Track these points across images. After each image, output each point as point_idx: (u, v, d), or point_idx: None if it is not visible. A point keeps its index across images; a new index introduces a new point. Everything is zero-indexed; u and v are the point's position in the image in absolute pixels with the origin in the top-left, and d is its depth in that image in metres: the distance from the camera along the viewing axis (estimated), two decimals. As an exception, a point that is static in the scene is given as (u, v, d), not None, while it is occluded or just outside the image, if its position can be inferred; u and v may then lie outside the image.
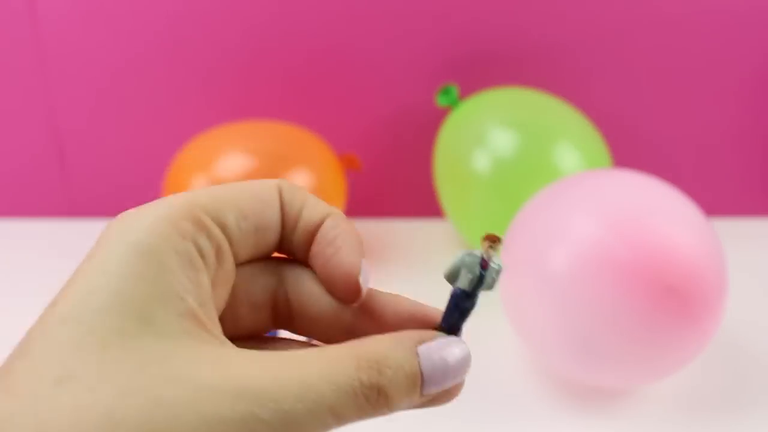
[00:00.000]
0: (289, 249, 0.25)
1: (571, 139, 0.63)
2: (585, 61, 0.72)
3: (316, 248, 0.24)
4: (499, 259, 0.23)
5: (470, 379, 0.55)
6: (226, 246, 0.22)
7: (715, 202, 0.73)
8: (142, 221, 0.21)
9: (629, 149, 0.73)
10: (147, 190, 0.76)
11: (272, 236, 0.24)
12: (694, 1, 0.69)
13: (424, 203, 0.77)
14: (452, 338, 0.23)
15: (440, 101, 0.68)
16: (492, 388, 0.52)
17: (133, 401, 0.18)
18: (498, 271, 0.23)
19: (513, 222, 0.52)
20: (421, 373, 0.22)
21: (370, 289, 0.24)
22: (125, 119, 0.77)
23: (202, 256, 0.21)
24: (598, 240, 0.45)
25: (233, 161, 0.61)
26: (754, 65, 0.72)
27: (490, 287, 0.23)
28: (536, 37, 0.71)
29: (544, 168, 0.61)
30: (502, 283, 0.51)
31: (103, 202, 0.80)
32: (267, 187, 0.24)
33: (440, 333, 0.23)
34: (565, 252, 0.46)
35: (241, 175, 0.61)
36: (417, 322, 0.24)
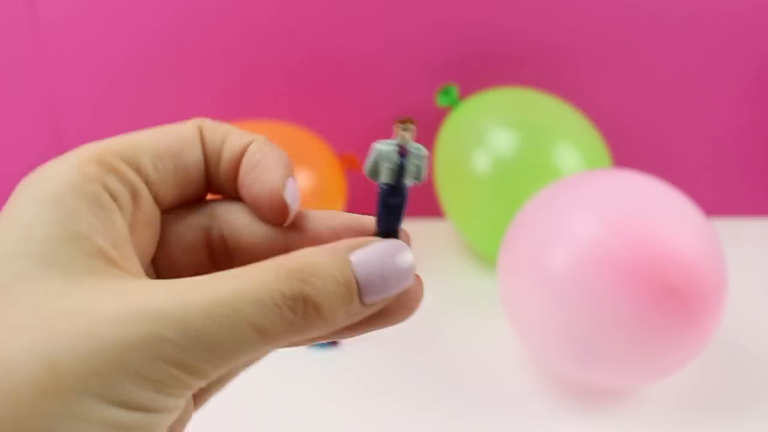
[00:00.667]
0: (218, 186, 0.24)
1: (571, 139, 0.63)
2: (585, 62, 0.72)
3: (241, 177, 0.23)
4: (418, 144, 0.21)
5: (470, 379, 0.55)
6: (141, 186, 0.22)
7: (715, 202, 0.73)
8: (49, 172, 0.21)
9: (629, 149, 0.73)
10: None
11: (196, 174, 0.23)
12: (694, 2, 0.69)
13: (424, 203, 0.77)
14: (390, 240, 0.22)
15: (440, 101, 0.68)
16: (492, 388, 0.52)
17: (28, 336, 0.18)
18: (420, 156, 0.21)
19: (513, 222, 0.52)
20: (357, 279, 0.21)
21: (303, 210, 0.23)
22: (125, 119, 0.77)
23: (114, 198, 0.21)
24: (598, 240, 0.45)
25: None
26: (753, 65, 0.72)
27: (418, 177, 0.22)
28: (536, 37, 0.71)
29: (544, 168, 0.61)
30: (502, 284, 0.51)
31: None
32: (185, 127, 0.23)
33: (376, 238, 0.21)
34: (565, 252, 0.46)
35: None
36: (353, 232, 0.22)
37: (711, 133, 0.75)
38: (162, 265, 0.23)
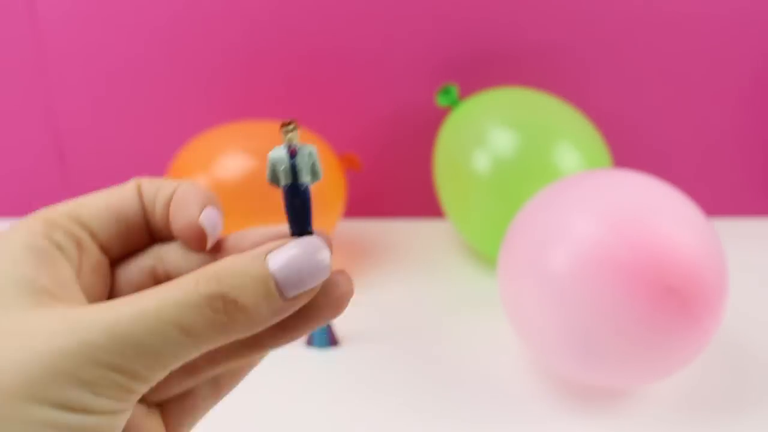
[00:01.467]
0: (158, 232, 0.26)
1: (571, 139, 0.63)
2: (585, 61, 0.72)
3: (170, 217, 0.25)
4: (306, 143, 0.23)
5: (470, 379, 0.55)
6: (85, 237, 0.25)
7: (715, 202, 0.73)
8: (6, 233, 0.24)
9: (629, 149, 0.73)
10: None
11: (136, 224, 0.26)
12: (695, 2, 0.69)
13: (424, 203, 0.77)
14: (303, 238, 0.23)
15: (440, 101, 0.68)
16: (492, 388, 0.52)
17: None
18: (310, 153, 0.23)
19: (513, 222, 0.52)
20: (273, 274, 0.22)
21: (229, 234, 0.26)
22: (125, 119, 0.77)
23: (59, 248, 0.24)
24: (598, 240, 0.45)
25: (233, 161, 0.61)
26: (754, 65, 0.72)
27: (315, 174, 0.23)
28: (536, 37, 0.71)
29: (544, 168, 0.61)
30: (502, 284, 0.51)
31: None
32: (125, 186, 0.26)
33: (291, 238, 0.23)
34: (565, 252, 0.46)
35: (241, 174, 0.61)
36: (273, 240, 0.24)
37: (711, 133, 0.75)
38: None
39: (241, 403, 0.51)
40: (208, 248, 0.25)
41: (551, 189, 0.51)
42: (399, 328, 0.60)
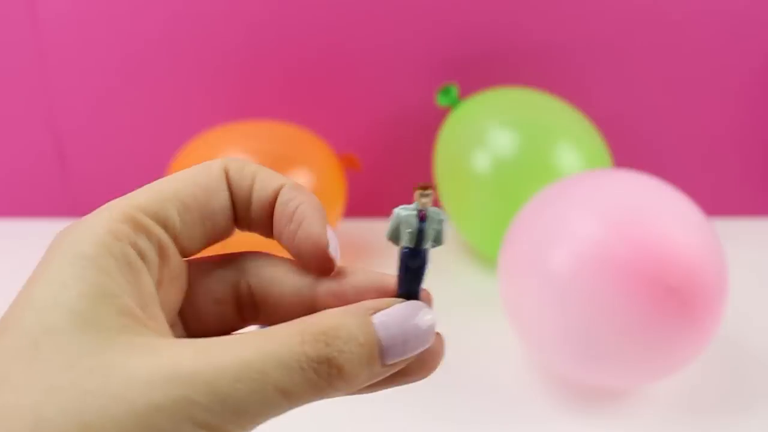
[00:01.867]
0: (247, 228, 0.25)
1: (571, 139, 0.63)
2: (585, 61, 0.72)
3: (278, 226, 0.24)
4: (437, 208, 0.22)
5: (470, 379, 0.55)
6: (168, 243, 0.23)
7: (715, 202, 0.73)
8: (82, 231, 0.22)
9: (629, 149, 0.73)
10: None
11: (223, 221, 0.24)
12: (695, 2, 0.69)
13: (424, 203, 0.77)
14: (411, 302, 0.22)
15: (440, 101, 0.68)
16: (492, 388, 0.52)
17: (61, 396, 0.18)
18: (440, 221, 0.22)
19: (513, 222, 0.52)
20: (379, 341, 0.21)
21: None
22: (125, 119, 0.77)
23: (142, 256, 0.22)
24: (598, 240, 0.45)
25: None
26: (754, 65, 0.72)
27: (438, 240, 0.22)
28: (536, 37, 0.71)
29: (544, 168, 0.61)
30: (502, 284, 0.51)
31: (103, 201, 0.80)
32: (211, 171, 0.24)
33: (398, 299, 0.22)
34: (565, 252, 0.46)
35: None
36: (376, 292, 0.23)
37: (711, 133, 0.75)
38: (188, 315, 0.24)
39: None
40: (330, 275, 0.24)
41: (551, 189, 0.51)
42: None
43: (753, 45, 0.71)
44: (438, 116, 0.71)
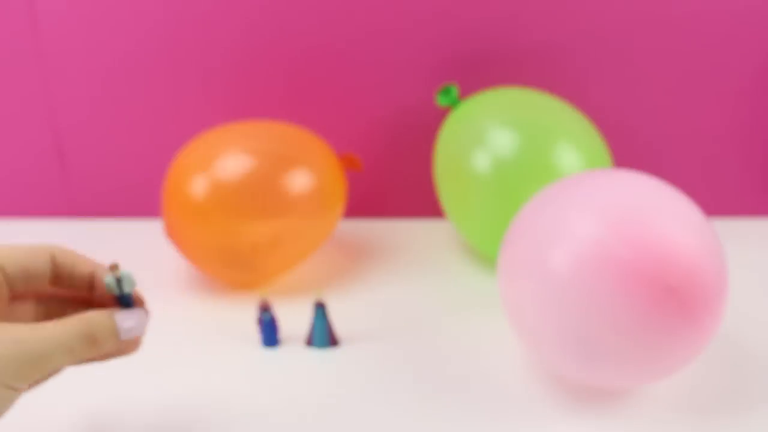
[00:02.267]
0: (69, 288, 0.43)
1: (571, 139, 0.63)
2: (585, 62, 0.72)
3: (96, 293, 0.44)
4: (124, 271, 0.43)
5: (470, 379, 0.55)
6: (1, 279, 0.41)
7: (715, 202, 0.73)
8: None
9: (629, 149, 0.73)
10: (147, 189, 0.76)
11: (42, 277, 0.42)
12: (695, 1, 0.69)
13: (424, 203, 0.77)
14: (131, 310, 0.43)
15: (440, 101, 0.68)
16: (491, 388, 0.52)
17: None
18: (127, 279, 0.43)
19: (513, 222, 0.52)
20: (117, 326, 0.41)
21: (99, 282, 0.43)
22: (125, 119, 0.77)
23: None
24: (598, 240, 0.45)
25: (233, 161, 0.61)
26: (754, 65, 0.72)
27: (131, 286, 0.43)
28: (536, 37, 0.71)
29: (544, 168, 0.61)
30: (502, 284, 0.51)
31: (103, 202, 0.80)
32: (39, 247, 0.42)
33: (128, 308, 0.43)
34: (565, 252, 0.46)
35: (241, 174, 0.61)
36: (112, 300, 0.43)
37: (711, 132, 0.75)
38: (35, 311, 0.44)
39: (241, 402, 0.51)
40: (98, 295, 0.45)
41: (551, 189, 0.51)
42: (399, 328, 0.60)
43: (753, 45, 0.71)
44: (438, 116, 0.71)
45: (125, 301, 0.43)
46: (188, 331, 0.60)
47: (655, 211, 0.46)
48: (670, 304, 0.43)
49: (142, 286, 0.67)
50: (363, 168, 0.71)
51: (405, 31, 0.72)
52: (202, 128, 0.69)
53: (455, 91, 0.68)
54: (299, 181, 0.62)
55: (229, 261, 0.62)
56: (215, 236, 0.61)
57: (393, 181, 0.78)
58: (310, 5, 0.71)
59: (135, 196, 0.79)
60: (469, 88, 0.70)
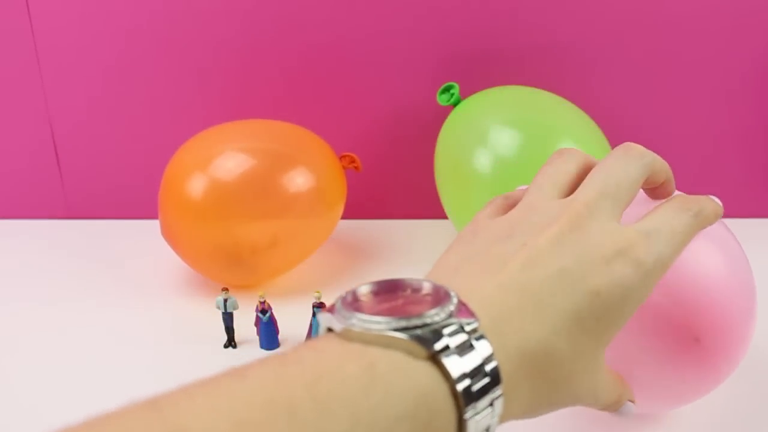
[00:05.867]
0: None
1: (573, 138, 0.62)
2: (586, 61, 0.72)
3: None
4: (230, 295, 0.56)
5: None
6: None
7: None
8: None
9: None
10: (144, 190, 0.76)
11: None
12: (696, 1, 0.69)
13: (424, 203, 0.77)
14: None
15: (441, 100, 0.68)
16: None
17: None
18: (228, 300, 0.55)
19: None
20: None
21: None
22: (122, 120, 0.77)
23: None
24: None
25: (232, 160, 0.61)
26: (757, 65, 0.71)
27: (233, 306, 0.55)
28: (537, 36, 0.71)
29: (545, 167, 0.60)
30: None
31: (100, 203, 0.80)
32: None
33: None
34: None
35: (240, 174, 0.60)
36: None
37: (712, 132, 0.74)
38: None
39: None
40: None
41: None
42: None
43: (755, 44, 0.70)
44: (438, 116, 0.71)
45: (226, 319, 0.55)
46: (187, 333, 0.60)
47: (691, 250, 0.40)
48: (696, 354, 0.41)
49: (140, 288, 0.67)
50: (363, 168, 0.70)
51: (405, 31, 0.72)
52: (201, 129, 0.68)
53: (456, 89, 0.67)
54: (299, 180, 0.62)
55: (227, 262, 0.61)
56: (213, 236, 0.60)
57: (393, 181, 0.78)
58: (310, 4, 0.71)
59: (132, 197, 0.79)
60: (469, 88, 0.70)
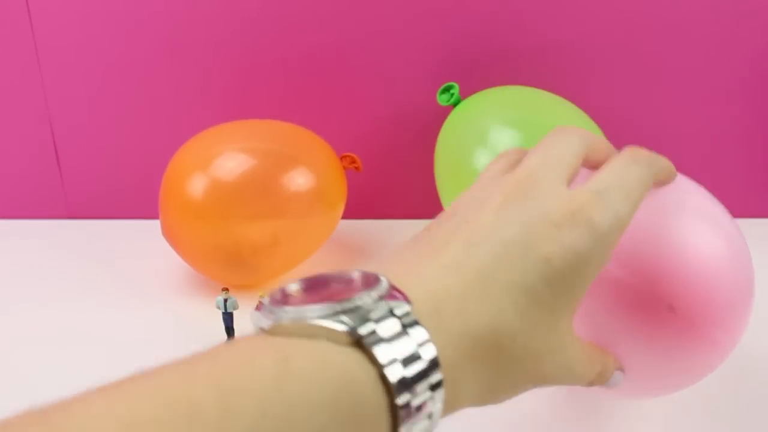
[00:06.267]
0: None
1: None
2: (586, 61, 0.72)
3: None
4: (230, 295, 0.56)
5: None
6: None
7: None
8: None
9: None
10: (145, 190, 0.76)
11: None
12: (697, 1, 0.69)
13: (424, 203, 0.77)
14: None
15: (441, 100, 0.68)
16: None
17: None
18: (229, 300, 0.56)
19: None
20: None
21: None
22: (122, 120, 0.77)
23: None
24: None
25: (233, 160, 0.61)
26: (757, 64, 0.71)
27: (233, 306, 0.56)
28: (537, 36, 0.71)
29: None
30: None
31: (100, 203, 0.80)
32: None
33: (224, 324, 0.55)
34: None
35: (241, 174, 0.60)
36: None
37: (713, 132, 0.74)
38: None
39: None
40: None
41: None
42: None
43: (755, 44, 0.70)
44: (438, 116, 0.71)
45: (226, 319, 0.55)
46: (187, 333, 0.60)
47: (656, 206, 0.42)
48: (675, 325, 0.38)
49: (140, 288, 0.67)
50: (363, 168, 0.70)
51: (405, 31, 0.72)
52: (201, 128, 0.68)
53: (456, 89, 0.67)
54: (299, 180, 0.62)
55: (227, 261, 0.61)
56: (214, 236, 0.60)
57: (393, 181, 0.78)
58: (310, 5, 0.71)
59: (133, 197, 0.79)
60: (469, 88, 0.70)
